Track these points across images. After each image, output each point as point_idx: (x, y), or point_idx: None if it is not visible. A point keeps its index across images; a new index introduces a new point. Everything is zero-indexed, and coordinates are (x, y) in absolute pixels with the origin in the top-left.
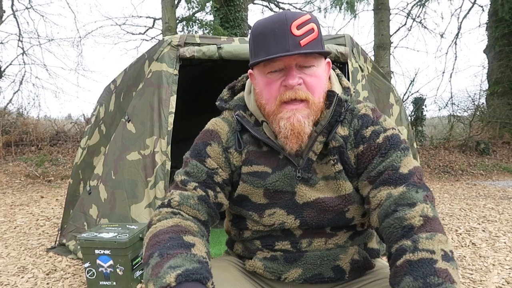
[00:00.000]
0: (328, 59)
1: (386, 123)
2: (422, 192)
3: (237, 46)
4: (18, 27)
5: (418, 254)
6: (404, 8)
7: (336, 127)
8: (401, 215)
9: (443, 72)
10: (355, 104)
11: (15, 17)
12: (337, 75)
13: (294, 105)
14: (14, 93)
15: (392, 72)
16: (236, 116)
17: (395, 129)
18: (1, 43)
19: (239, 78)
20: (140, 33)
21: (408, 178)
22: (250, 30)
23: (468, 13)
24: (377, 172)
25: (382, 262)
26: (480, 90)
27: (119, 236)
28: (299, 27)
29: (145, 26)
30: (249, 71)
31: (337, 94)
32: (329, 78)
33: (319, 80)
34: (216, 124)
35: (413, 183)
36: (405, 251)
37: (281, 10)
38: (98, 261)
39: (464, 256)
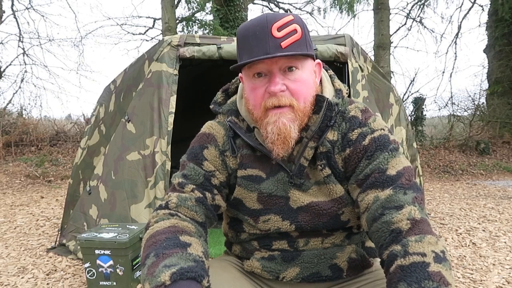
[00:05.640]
0: (318, 60)
1: (375, 124)
2: (411, 194)
3: None
4: (18, 27)
5: (410, 259)
6: (404, 8)
7: (327, 132)
8: (388, 219)
9: (443, 72)
10: (347, 105)
11: (15, 17)
12: (330, 76)
13: (278, 109)
14: (14, 93)
15: (392, 72)
16: (228, 123)
17: (384, 130)
18: (1, 43)
19: (233, 81)
20: (140, 33)
21: (396, 180)
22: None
23: (468, 13)
24: (364, 175)
25: None
26: (480, 89)
27: (119, 236)
28: (280, 28)
29: (145, 26)
30: (240, 74)
31: (327, 99)
32: (320, 79)
33: (303, 84)
34: (212, 127)
35: (401, 185)
36: (396, 257)
37: (280, 11)
38: (98, 261)
39: (464, 256)
